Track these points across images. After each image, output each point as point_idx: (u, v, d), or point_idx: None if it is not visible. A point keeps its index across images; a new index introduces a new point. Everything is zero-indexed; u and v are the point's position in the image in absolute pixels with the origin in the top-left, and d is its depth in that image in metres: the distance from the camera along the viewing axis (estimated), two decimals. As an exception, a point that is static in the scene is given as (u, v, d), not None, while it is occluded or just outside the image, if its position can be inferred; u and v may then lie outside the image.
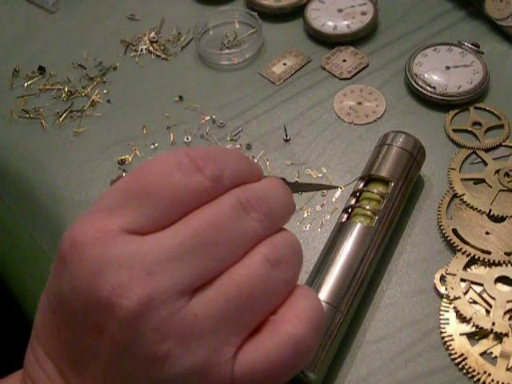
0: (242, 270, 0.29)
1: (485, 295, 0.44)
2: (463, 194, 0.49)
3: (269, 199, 0.31)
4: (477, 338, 0.42)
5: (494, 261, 0.45)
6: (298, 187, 0.33)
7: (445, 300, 0.44)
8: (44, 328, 0.32)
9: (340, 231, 0.45)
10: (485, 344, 0.42)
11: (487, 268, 0.45)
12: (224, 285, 0.29)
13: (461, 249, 0.46)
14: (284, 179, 0.33)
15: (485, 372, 0.41)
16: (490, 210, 0.47)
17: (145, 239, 0.29)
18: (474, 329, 0.42)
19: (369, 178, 0.47)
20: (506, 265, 0.45)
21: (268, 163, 0.53)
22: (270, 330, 0.30)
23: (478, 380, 0.41)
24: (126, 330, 0.28)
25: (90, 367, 0.31)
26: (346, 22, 0.61)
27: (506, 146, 0.52)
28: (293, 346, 0.30)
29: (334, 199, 0.50)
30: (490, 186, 0.49)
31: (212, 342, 0.29)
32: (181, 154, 0.30)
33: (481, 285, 0.44)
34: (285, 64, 0.60)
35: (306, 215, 0.50)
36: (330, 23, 0.61)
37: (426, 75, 0.56)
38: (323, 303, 0.41)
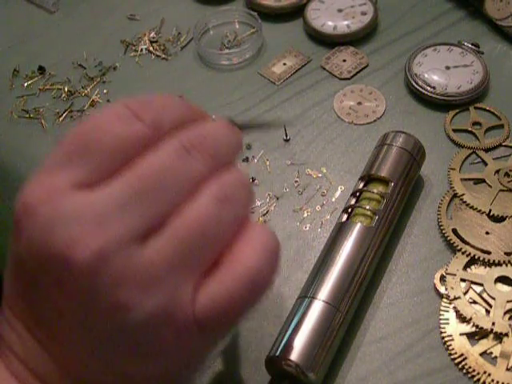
0: (192, 211, 0.30)
1: (485, 295, 0.44)
2: (463, 194, 0.48)
3: (212, 139, 0.31)
4: (477, 337, 0.42)
5: (493, 261, 0.45)
6: (243, 126, 0.34)
7: (445, 300, 0.44)
8: (11, 291, 0.32)
9: (340, 231, 0.45)
10: (485, 344, 0.42)
11: (487, 268, 0.45)
12: (175, 227, 0.29)
13: (461, 249, 0.46)
14: (231, 119, 0.33)
15: (485, 372, 0.41)
16: (490, 210, 0.47)
17: (92, 192, 0.29)
18: (473, 329, 0.42)
19: (369, 178, 0.47)
20: (506, 265, 0.45)
21: (268, 163, 0.53)
22: (226, 265, 0.30)
23: (478, 380, 0.41)
24: (84, 284, 0.28)
25: (57, 323, 0.31)
26: (346, 22, 0.61)
27: (505, 145, 0.52)
28: (250, 277, 0.30)
29: (333, 199, 0.50)
30: (489, 185, 0.49)
31: (170, 284, 0.29)
32: (119, 105, 0.31)
33: (481, 285, 0.44)
34: (285, 64, 0.60)
35: (305, 215, 0.50)
36: (330, 23, 0.61)
37: (426, 75, 0.56)
38: (323, 303, 0.41)
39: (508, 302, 0.43)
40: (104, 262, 0.28)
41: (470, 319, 0.42)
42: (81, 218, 0.28)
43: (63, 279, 0.29)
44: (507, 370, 0.41)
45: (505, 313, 0.43)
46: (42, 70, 0.63)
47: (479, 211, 0.47)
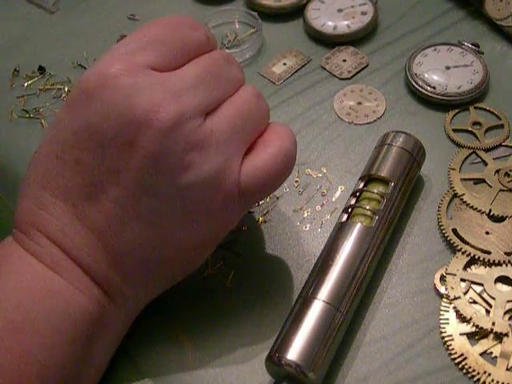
0: (239, 98, 0.39)
1: (485, 295, 0.44)
2: (463, 194, 0.49)
3: (235, 61, 0.41)
4: (477, 337, 0.42)
5: (494, 261, 0.45)
6: None
7: (445, 300, 0.44)
8: (50, 172, 0.37)
9: (340, 231, 0.45)
10: (485, 344, 0.42)
11: (487, 268, 0.45)
12: (228, 108, 0.38)
13: (461, 249, 0.46)
14: None
15: (485, 372, 0.41)
16: (490, 210, 0.47)
17: (167, 73, 0.36)
18: (474, 329, 0.42)
19: (369, 178, 0.47)
20: (506, 265, 0.45)
21: (268, 163, 0.53)
22: (262, 145, 0.39)
23: (478, 380, 0.41)
24: (162, 140, 0.34)
25: (111, 189, 0.35)
26: (346, 22, 0.61)
27: (506, 145, 0.52)
28: (282, 153, 0.39)
29: (334, 199, 0.50)
30: (490, 185, 0.49)
31: (225, 150, 0.36)
32: (180, 17, 0.40)
33: (481, 285, 0.44)
34: (285, 64, 0.60)
35: (306, 215, 0.50)
36: (330, 23, 0.61)
37: (426, 75, 0.56)
38: (323, 303, 0.41)
39: (508, 301, 0.43)
40: (180, 125, 0.35)
41: (470, 319, 0.42)
42: (162, 89, 0.35)
43: (140, 138, 0.34)
44: (507, 369, 0.41)
45: (505, 313, 0.43)
46: (41, 69, 0.63)
47: (479, 211, 0.47)
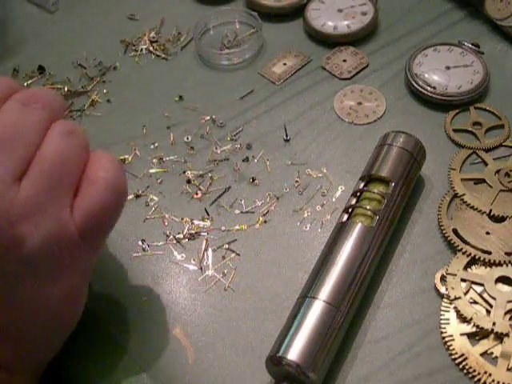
0: (47, 147, 0.36)
1: (485, 295, 0.44)
2: (463, 194, 0.48)
3: (42, 95, 0.38)
4: (477, 338, 0.42)
5: (494, 261, 0.45)
6: None
7: (445, 300, 0.44)
8: None
9: (340, 231, 0.45)
10: (485, 344, 0.42)
11: (488, 268, 0.45)
12: (39, 163, 0.35)
13: (461, 249, 0.46)
14: None
15: (485, 372, 0.41)
16: (491, 210, 0.47)
17: None
18: (474, 329, 0.42)
19: (369, 178, 0.47)
20: (507, 265, 0.45)
21: (268, 163, 0.53)
22: (87, 184, 0.37)
23: (479, 380, 0.41)
24: None
25: None
26: (346, 22, 0.61)
27: (506, 146, 0.52)
28: (110, 186, 0.37)
29: (334, 199, 0.50)
30: (490, 186, 0.49)
31: (51, 210, 0.35)
32: None
33: (481, 285, 0.44)
34: (285, 64, 0.60)
35: (306, 215, 0.50)
36: (330, 23, 0.61)
37: (426, 75, 0.56)
38: (324, 303, 0.41)
39: (508, 302, 0.43)
40: None
41: (471, 319, 0.42)
42: None
43: None
44: (508, 370, 0.41)
45: (505, 313, 0.43)
46: (42, 69, 0.63)
47: (480, 211, 0.47)
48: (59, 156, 0.36)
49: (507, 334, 0.42)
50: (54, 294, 0.37)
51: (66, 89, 0.61)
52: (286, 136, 0.55)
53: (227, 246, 0.48)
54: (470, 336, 0.42)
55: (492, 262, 0.45)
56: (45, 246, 0.35)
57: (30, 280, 0.36)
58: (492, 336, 0.42)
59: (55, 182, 0.35)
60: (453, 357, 0.42)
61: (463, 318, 0.43)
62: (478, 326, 0.42)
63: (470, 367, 0.41)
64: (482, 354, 0.41)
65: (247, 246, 0.48)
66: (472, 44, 0.58)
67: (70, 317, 0.40)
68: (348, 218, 0.45)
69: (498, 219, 0.47)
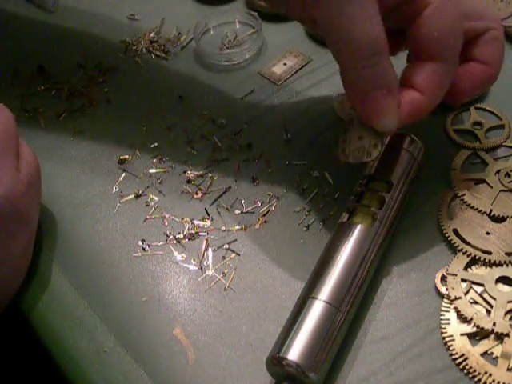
0: None
1: (485, 295, 0.44)
2: (464, 194, 0.48)
3: None
4: (478, 338, 0.42)
5: (494, 261, 0.45)
6: None
7: (445, 300, 0.44)
8: None
9: (340, 231, 0.44)
10: (486, 344, 0.42)
11: (488, 268, 0.45)
12: None
13: (461, 249, 0.45)
14: None
15: (486, 372, 0.41)
16: (491, 210, 0.47)
17: None
18: (474, 329, 0.42)
19: (369, 178, 0.47)
20: (507, 265, 0.44)
21: (268, 163, 0.53)
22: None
23: (479, 380, 0.40)
24: None
25: None
26: (346, 22, 0.61)
27: (506, 146, 0.52)
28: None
29: (334, 199, 0.50)
30: (490, 186, 0.49)
31: (7, 172, 0.43)
32: None
33: (481, 285, 0.44)
34: (285, 64, 0.60)
35: (306, 215, 0.50)
36: (331, 23, 0.61)
37: (426, 75, 0.55)
38: (324, 303, 0.41)
39: (509, 302, 0.43)
40: None
41: (471, 319, 0.42)
42: None
43: None
44: (508, 370, 0.41)
45: (506, 313, 0.42)
46: (42, 69, 0.63)
47: (480, 211, 0.47)
48: (5, 131, 0.45)
49: (507, 334, 0.42)
50: (16, 247, 0.44)
51: (65, 89, 0.61)
52: (286, 136, 0.55)
53: (227, 246, 0.48)
54: (471, 336, 0.42)
55: (492, 262, 0.45)
56: (8, 200, 0.42)
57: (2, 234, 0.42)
58: (492, 336, 0.42)
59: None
60: (453, 357, 0.41)
61: (463, 318, 0.43)
62: (478, 326, 0.42)
63: (471, 367, 0.41)
64: (482, 355, 0.41)
65: (247, 246, 0.48)
66: (472, 44, 0.57)
67: (21, 273, 0.46)
68: (348, 218, 0.45)
69: (499, 219, 0.47)
